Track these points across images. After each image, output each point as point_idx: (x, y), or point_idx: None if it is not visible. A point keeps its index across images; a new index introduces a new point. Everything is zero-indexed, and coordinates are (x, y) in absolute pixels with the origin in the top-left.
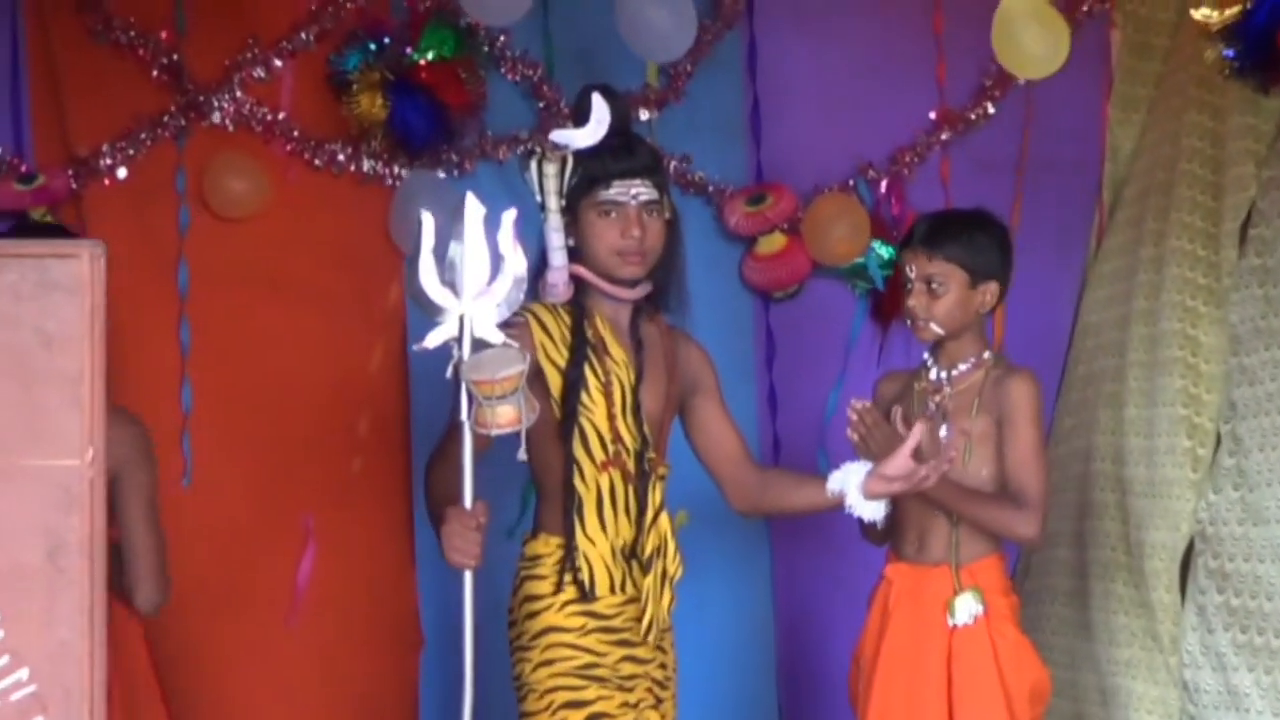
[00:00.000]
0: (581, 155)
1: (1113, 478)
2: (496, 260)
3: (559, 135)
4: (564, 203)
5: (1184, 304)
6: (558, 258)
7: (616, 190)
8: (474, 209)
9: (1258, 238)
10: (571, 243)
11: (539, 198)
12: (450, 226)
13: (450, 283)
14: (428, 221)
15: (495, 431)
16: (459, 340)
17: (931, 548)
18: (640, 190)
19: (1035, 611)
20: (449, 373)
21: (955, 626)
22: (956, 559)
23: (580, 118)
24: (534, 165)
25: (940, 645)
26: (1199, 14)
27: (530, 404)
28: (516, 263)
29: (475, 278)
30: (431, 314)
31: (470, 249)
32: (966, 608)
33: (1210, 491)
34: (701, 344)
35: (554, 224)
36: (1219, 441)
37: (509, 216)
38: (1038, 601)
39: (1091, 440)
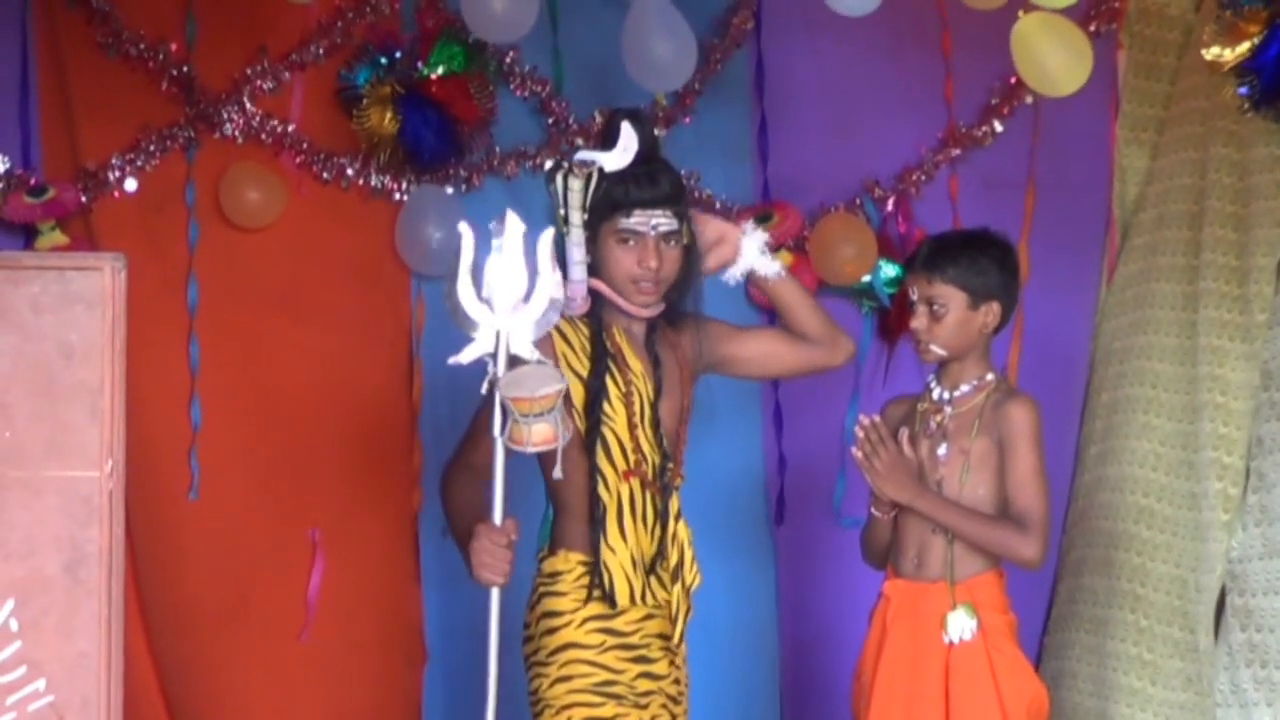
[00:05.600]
0: (606, 177)
1: (1147, 511)
2: (532, 277)
3: (585, 155)
4: (586, 217)
5: (1211, 345)
6: (577, 272)
7: (637, 220)
8: (514, 225)
9: None
10: (590, 259)
11: (562, 211)
12: (485, 242)
13: (485, 299)
14: (467, 236)
15: (530, 449)
16: (494, 356)
17: (929, 565)
18: (660, 221)
19: (1061, 639)
20: (484, 388)
21: (951, 643)
22: (952, 575)
23: (608, 141)
24: (560, 179)
25: (938, 661)
26: (1209, 54)
27: (566, 423)
28: (552, 280)
29: (511, 294)
30: (466, 329)
31: (508, 265)
32: (959, 624)
33: (1239, 529)
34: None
35: (576, 239)
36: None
37: (548, 235)
38: (1063, 629)
39: (1123, 470)
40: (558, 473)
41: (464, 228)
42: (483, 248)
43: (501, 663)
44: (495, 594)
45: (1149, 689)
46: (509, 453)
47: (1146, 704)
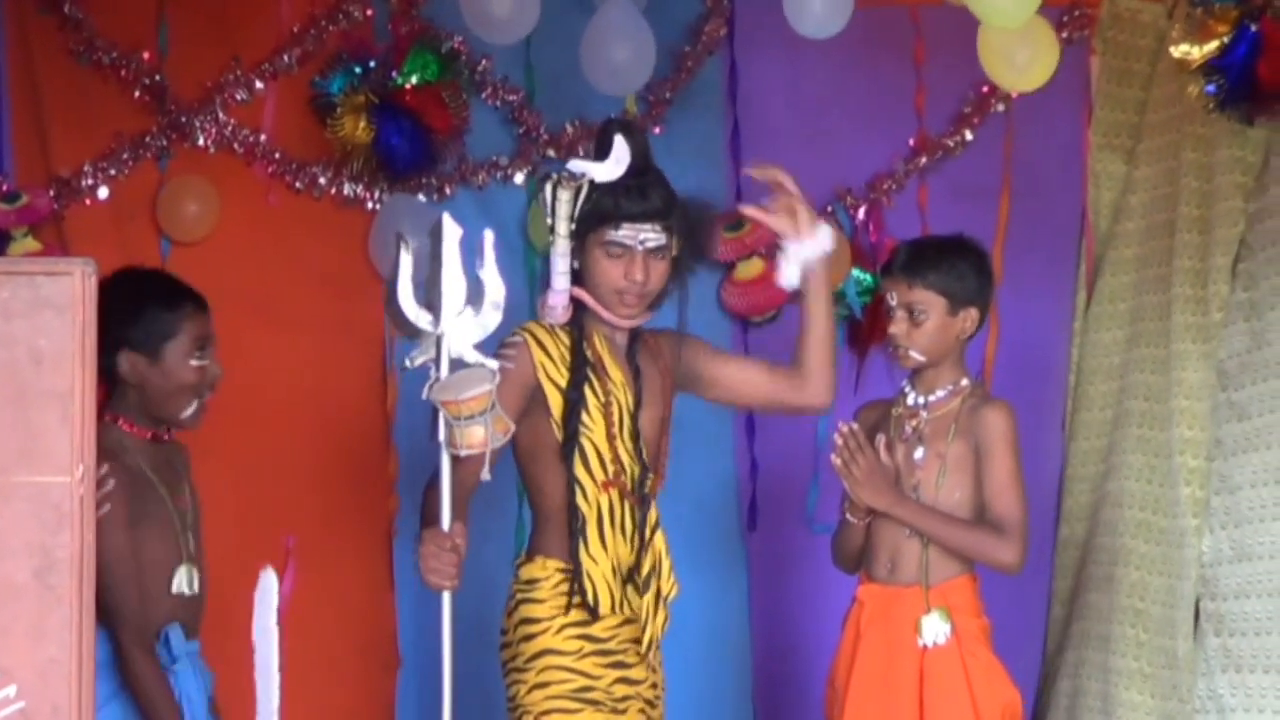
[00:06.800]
0: (596, 188)
1: (1144, 525)
2: (475, 282)
3: (577, 165)
4: (574, 228)
5: (1178, 350)
6: (560, 281)
7: (625, 233)
8: (451, 230)
9: (1245, 272)
10: (576, 265)
11: (550, 220)
12: (428, 248)
13: (428, 304)
14: (406, 244)
15: (465, 452)
16: (436, 361)
17: (903, 569)
18: (649, 236)
19: (1076, 657)
20: (424, 394)
21: (925, 647)
22: (927, 580)
23: (601, 152)
24: (549, 188)
25: (912, 666)
26: (1178, 51)
27: (500, 424)
28: (494, 284)
29: (452, 299)
30: (409, 335)
31: (447, 270)
32: (933, 628)
33: (1206, 533)
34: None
35: (561, 249)
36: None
37: (488, 238)
38: (1076, 647)
39: (1121, 485)
40: (485, 475)
41: (403, 236)
42: (422, 255)
43: (473, 666)
44: (446, 598)
45: (1149, 702)
46: (453, 458)
47: (1148, 717)
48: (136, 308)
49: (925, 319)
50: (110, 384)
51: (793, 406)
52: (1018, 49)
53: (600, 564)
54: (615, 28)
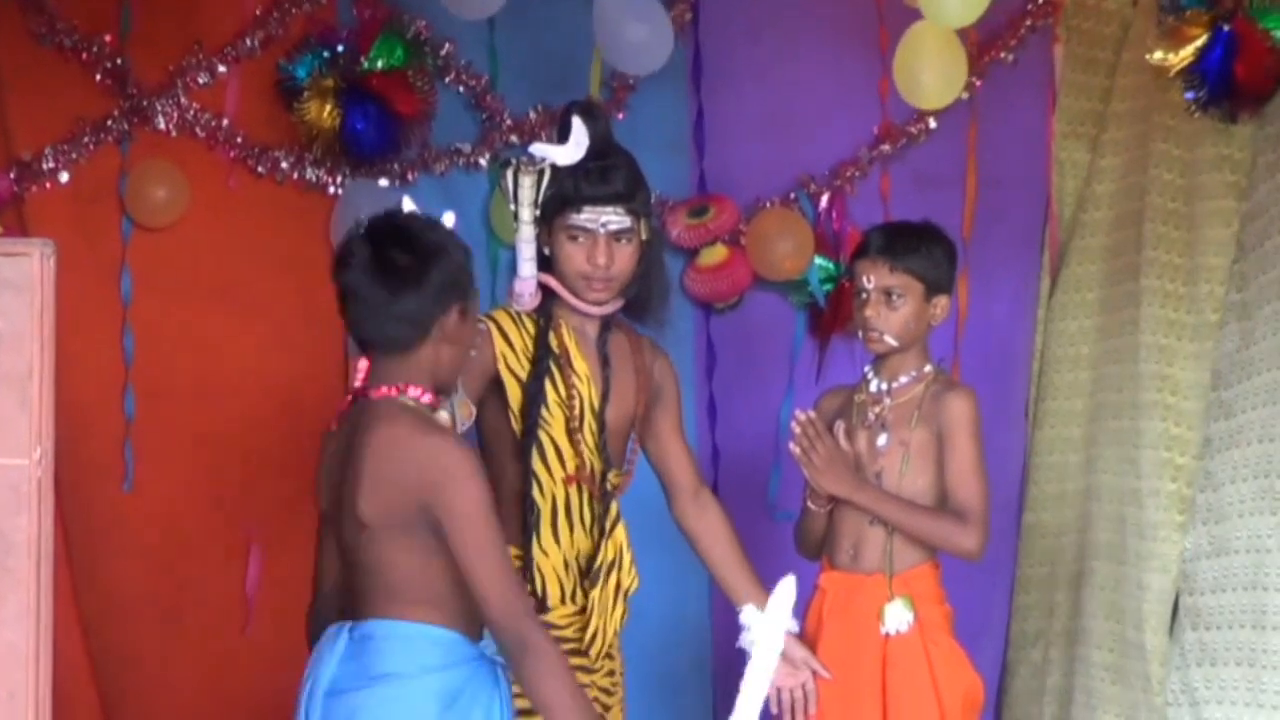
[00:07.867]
0: (559, 172)
1: (1120, 519)
2: None
3: (538, 149)
4: (538, 213)
5: (1158, 344)
6: (526, 268)
7: (586, 216)
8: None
9: (1237, 273)
10: (547, 251)
11: (512, 206)
12: None
13: None
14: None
15: None
16: None
17: (865, 557)
18: (610, 219)
19: (1068, 653)
20: None
21: (887, 635)
22: (890, 567)
23: (563, 136)
24: (509, 174)
25: (874, 653)
26: (1154, 58)
27: (464, 408)
28: None
29: None
30: None
31: None
32: (896, 616)
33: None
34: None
35: (525, 235)
36: None
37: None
38: (1071, 644)
39: (1100, 480)
40: None
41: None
42: None
43: None
44: None
45: (1129, 695)
46: None
47: (1126, 710)
48: (451, 255)
49: (902, 303)
50: (379, 352)
51: (664, 492)
52: (924, 69)
53: (551, 557)
54: (626, 5)
